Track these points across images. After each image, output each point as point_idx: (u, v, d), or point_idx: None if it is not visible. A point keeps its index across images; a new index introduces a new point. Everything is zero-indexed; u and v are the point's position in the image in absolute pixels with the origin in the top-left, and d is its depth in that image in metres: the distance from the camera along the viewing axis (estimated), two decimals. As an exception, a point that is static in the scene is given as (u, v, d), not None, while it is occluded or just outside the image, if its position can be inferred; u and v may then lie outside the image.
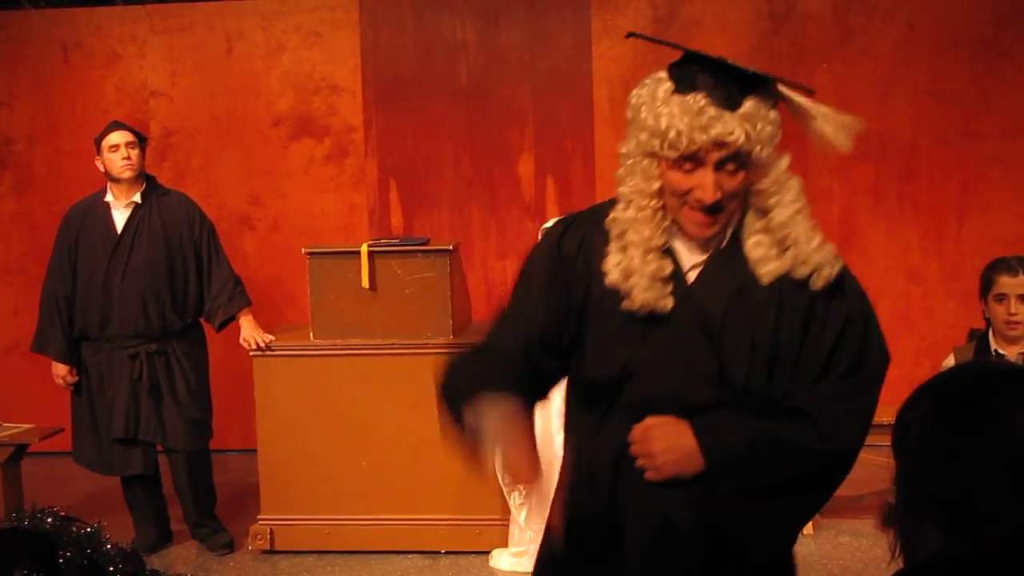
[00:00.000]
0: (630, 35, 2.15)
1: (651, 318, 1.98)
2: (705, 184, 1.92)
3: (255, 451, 4.96)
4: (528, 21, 6.50)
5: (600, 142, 6.40)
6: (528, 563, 3.74)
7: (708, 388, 1.97)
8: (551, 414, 3.96)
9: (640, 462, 1.99)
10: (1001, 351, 3.61)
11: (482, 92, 6.54)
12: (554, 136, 6.51)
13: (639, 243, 1.98)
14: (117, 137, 4.84)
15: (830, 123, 1.97)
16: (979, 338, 3.74)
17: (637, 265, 1.97)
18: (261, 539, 4.86)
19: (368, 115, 6.62)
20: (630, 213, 2.00)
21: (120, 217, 4.88)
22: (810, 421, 1.96)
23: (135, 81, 6.72)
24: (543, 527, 2.21)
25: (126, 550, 1.45)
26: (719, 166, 1.92)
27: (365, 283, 4.78)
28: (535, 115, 6.52)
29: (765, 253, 1.98)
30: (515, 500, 4.53)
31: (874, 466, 3.17)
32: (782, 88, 1.98)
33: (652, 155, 1.96)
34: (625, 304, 1.98)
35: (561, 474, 2.15)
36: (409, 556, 4.78)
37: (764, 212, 1.99)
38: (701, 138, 1.89)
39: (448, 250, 4.81)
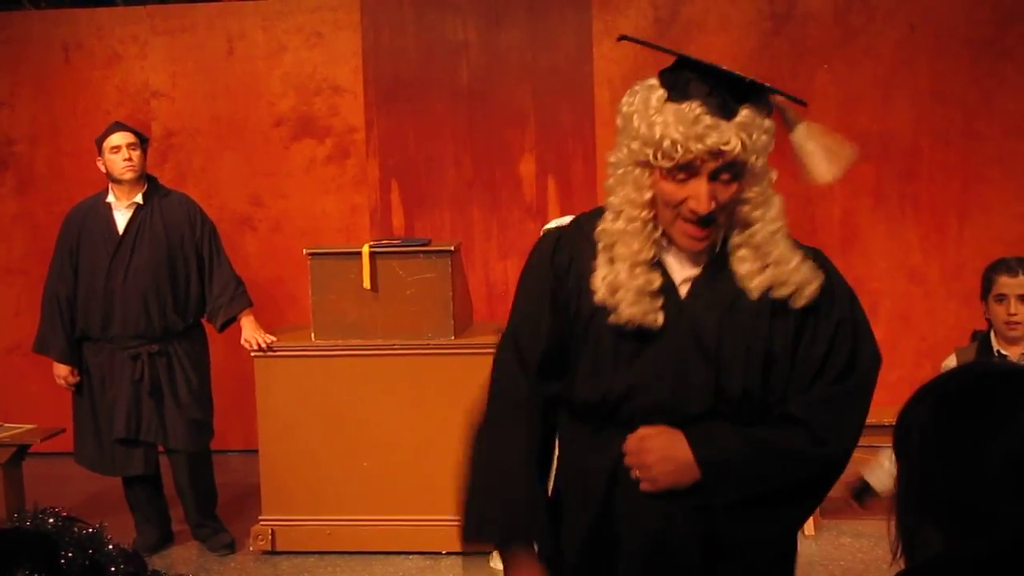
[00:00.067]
0: (622, 38, 2.10)
1: (642, 333, 1.95)
2: (700, 194, 1.88)
3: (256, 452, 4.97)
4: (529, 22, 6.50)
5: (601, 143, 6.39)
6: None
7: (704, 400, 1.96)
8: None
9: (635, 473, 1.97)
10: (1003, 352, 3.61)
11: (483, 93, 6.54)
12: (555, 137, 6.51)
13: (627, 256, 1.95)
14: (118, 138, 4.84)
15: (819, 150, 1.95)
16: (981, 339, 3.73)
17: (624, 279, 1.94)
18: (262, 540, 4.86)
19: (369, 116, 6.62)
20: (619, 224, 1.96)
21: (122, 218, 4.88)
22: (804, 426, 1.96)
23: (136, 82, 6.72)
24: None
25: (127, 550, 1.45)
26: (714, 176, 1.88)
27: (366, 284, 4.78)
28: (536, 116, 6.52)
29: (750, 268, 1.96)
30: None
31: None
32: (775, 99, 1.95)
33: (644, 165, 1.92)
34: (612, 319, 1.95)
35: (554, 484, 2.15)
36: (410, 557, 4.79)
37: (747, 225, 1.96)
38: (697, 147, 1.85)
39: (449, 251, 4.81)
